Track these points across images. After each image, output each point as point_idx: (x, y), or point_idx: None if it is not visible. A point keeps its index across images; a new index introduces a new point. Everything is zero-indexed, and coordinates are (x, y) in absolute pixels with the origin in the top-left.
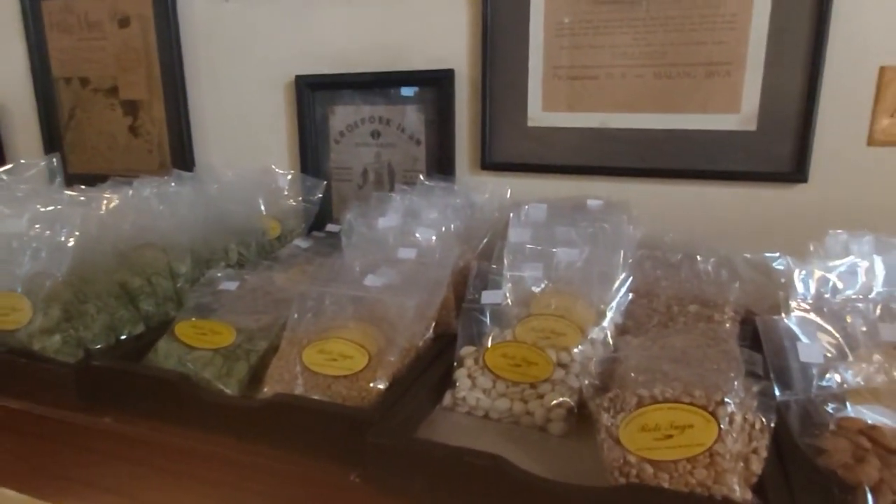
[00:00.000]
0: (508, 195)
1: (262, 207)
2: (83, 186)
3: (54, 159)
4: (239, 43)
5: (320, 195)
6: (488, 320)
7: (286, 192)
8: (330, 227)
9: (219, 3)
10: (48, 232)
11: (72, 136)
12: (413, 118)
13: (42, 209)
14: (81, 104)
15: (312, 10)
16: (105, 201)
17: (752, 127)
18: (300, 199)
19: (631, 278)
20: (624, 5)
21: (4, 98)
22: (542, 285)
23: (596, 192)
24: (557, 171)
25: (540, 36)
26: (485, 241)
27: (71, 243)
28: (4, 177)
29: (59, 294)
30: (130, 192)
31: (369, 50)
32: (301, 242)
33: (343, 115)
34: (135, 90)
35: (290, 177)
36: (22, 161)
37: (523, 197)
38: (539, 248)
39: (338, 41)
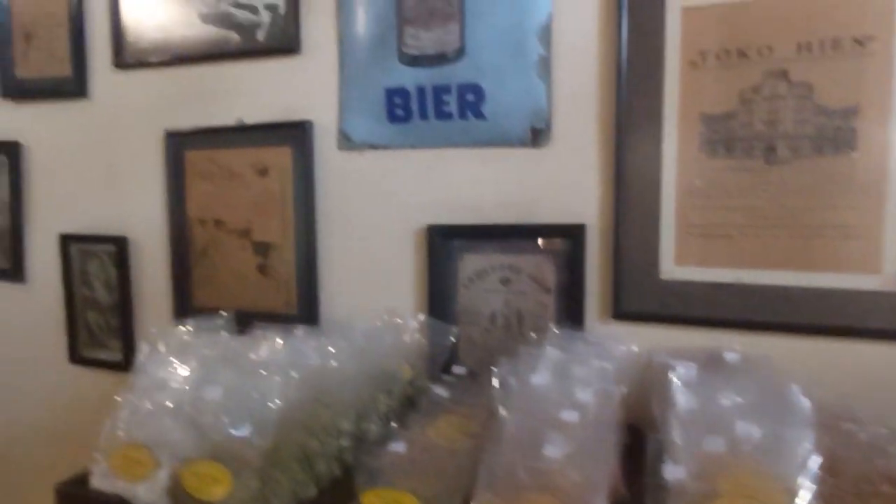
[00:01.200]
0: (640, 347)
1: (396, 352)
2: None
3: (224, 314)
4: (371, 192)
5: (452, 340)
6: (670, 496)
7: (415, 336)
8: (456, 370)
9: (354, 155)
10: (251, 396)
11: (201, 273)
12: (543, 268)
13: (237, 374)
14: (214, 244)
15: (445, 164)
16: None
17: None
18: (428, 342)
19: (816, 454)
20: (756, 172)
21: (137, 234)
22: (725, 460)
23: (731, 344)
24: (691, 322)
25: (672, 196)
26: (623, 394)
27: (273, 411)
28: (187, 337)
29: (255, 461)
30: (279, 342)
31: (501, 202)
32: (440, 390)
33: (473, 262)
34: (268, 233)
35: (419, 320)
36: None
37: (656, 347)
38: (715, 417)
39: (470, 193)
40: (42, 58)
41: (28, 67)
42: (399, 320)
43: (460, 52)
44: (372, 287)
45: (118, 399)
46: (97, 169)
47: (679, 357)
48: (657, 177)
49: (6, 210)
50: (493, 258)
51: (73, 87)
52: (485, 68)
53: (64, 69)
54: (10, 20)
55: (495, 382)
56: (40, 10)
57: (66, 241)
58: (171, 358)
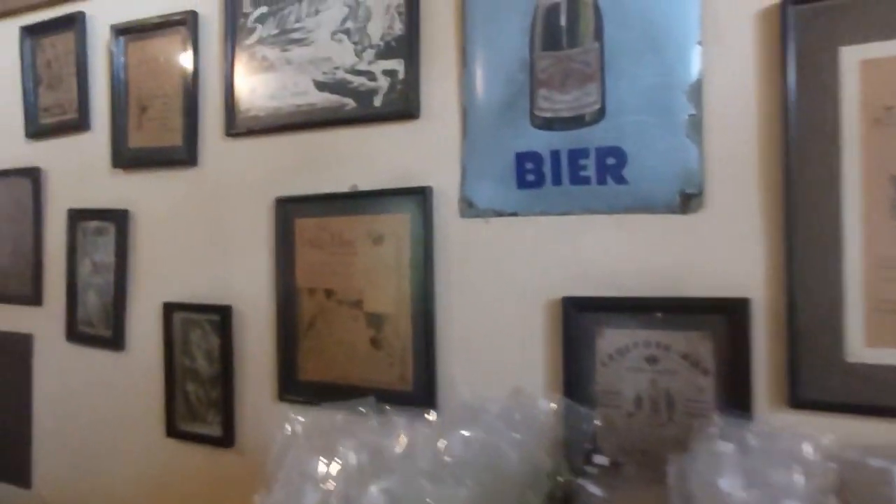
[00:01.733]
0: (830, 440)
1: (529, 439)
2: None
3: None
4: (495, 262)
5: (592, 425)
6: None
7: (549, 420)
8: (598, 460)
9: (477, 223)
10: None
11: (308, 344)
12: (698, 346)
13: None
14: (323, 314)
15: (580, 232)
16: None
17: None
18: (565, 427)
19: None
20: None
21: (242, 303)
22: None
23: None
24: (886, 413)
25: (858, 268)
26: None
27: None
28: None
29: None
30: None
31: (645, 273)
32: (591, 487)
33: (613, 338)
34: (382, 304)
35: (553, 403)
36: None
37: (848, 441)
38: None
39: (608, 263)
40: (155, 128)
41: (141, 138)
42: (529, 402)
43: (600, 114)
44: (496, 364)
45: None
46: (203, 237)
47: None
48: (838, 246)
49: (110, 277)
50: (637, 334)
51: (184, 155)
52: (627, 130)
53: (175, 138)
54: (128, 93)
55: (671, 482)
56: (156, 81)
57: (170, 309)
58: (313, 446)
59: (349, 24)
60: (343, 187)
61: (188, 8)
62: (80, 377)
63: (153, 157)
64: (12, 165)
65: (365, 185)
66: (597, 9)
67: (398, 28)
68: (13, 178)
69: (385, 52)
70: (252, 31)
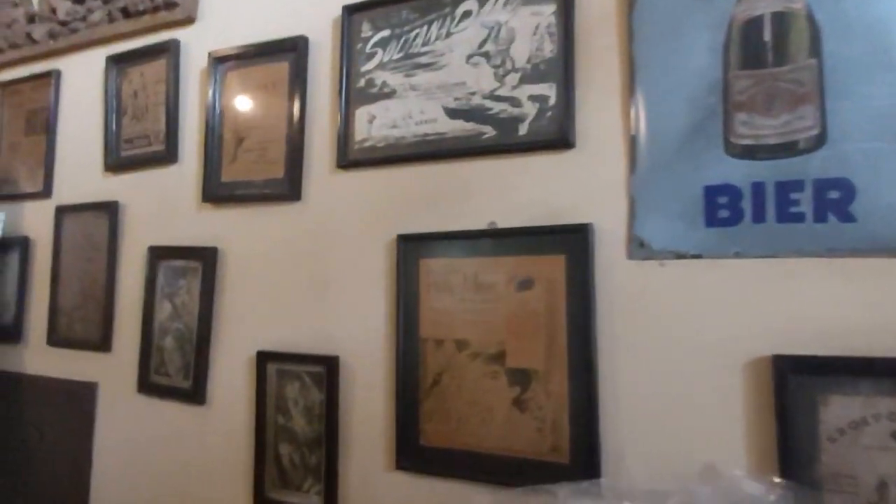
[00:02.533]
0: None
1: None
2: None
3: None
4: (675, 312)
5: None
6: None
7: None
8: None
9: (651, 265)
10: None
11: (433, 404)
12: None
13: None
14: (452, 369)
15: (791, 278)
16: None
17: None
18: None
19: None
20: None
21: (350, 354)
22: None
23: None
24: None
25: None
26: None
27: None
28: None
29: None
30: None
31: (881, 328)
32: None
33: (844, 407)
34: (529, 359)
35: (765, 485)
36: None
37: None
38: None
39: (830, 315)
40: (252, 160)
41: (235, 170)
42: (730, 484)
43: (818, 140)
44: (679, 434)
45: None
46: (305, 278)
47: None
48: None
49: (193, 322)
50: (877, 403)
51: (285, 189)
52: (854, 159)
53: (275, 171)
54: (223, 124)
55: None
56: (257, 111)
57: (264, 358)
58: None
59: (489, 47)
60: (478, 224)
61: (298, 33)
62: (151, 432)
63: (249, 192)
64: (88, 199)
65: (505, 222)
66: (812, 21)
67: (549, 50)
68: (88, 213)
69: (532, 76)
70: (371, 55)
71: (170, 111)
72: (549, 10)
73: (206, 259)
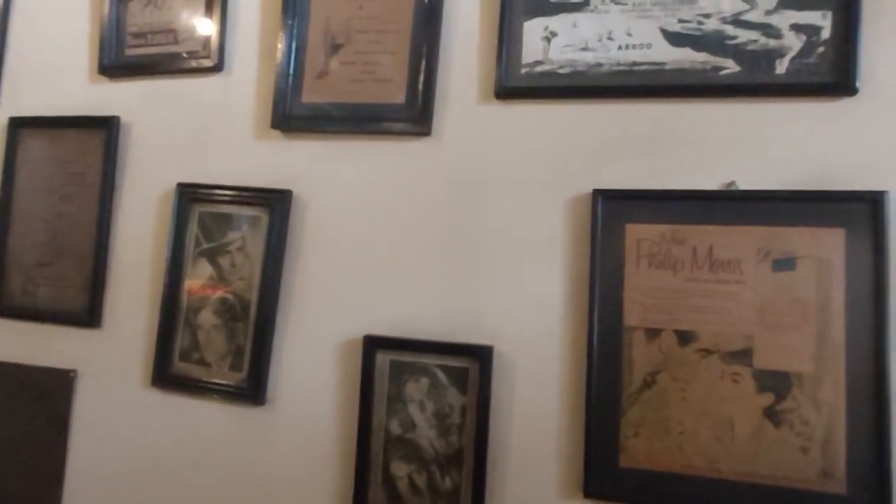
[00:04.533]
0: None
1: None
2: None
3: None
4: None
5: None
6: None
7: None
8: None
9: None
10: None
11: (641, 413)
12: None
13: None
14: (673, 368)
15: None
16: None
17: None
18: None
19: None
20: None
21: (510, 344)
22: None
23: None
24: None
25: None
26: None
27: None
28: None
29: None
30: None
31: None
32: None
33: None
34: (788, 359)
35: None
36: None
37: None
38: None
39: None
40: (353, 75)
41: (325, 89)
42: None
43: None
44: None
45: None
46: (437, 240)
47: None
48: None
49: (251, 291)
50: None
51: (408, 119)
52: None
53: (391, 93)
54: (308, 18)
55: None
56: (367, 5)
57: (372, 345)
58: None
59: None
60: (710, 184)
61: None
62: (172, 444)
63: (348, 118)
64: (66, 112)
65: (751, 184)
66: None
67: None
68: (66, 133)
69: (798, 1)
70: None
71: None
72: None
73: (273, 205)
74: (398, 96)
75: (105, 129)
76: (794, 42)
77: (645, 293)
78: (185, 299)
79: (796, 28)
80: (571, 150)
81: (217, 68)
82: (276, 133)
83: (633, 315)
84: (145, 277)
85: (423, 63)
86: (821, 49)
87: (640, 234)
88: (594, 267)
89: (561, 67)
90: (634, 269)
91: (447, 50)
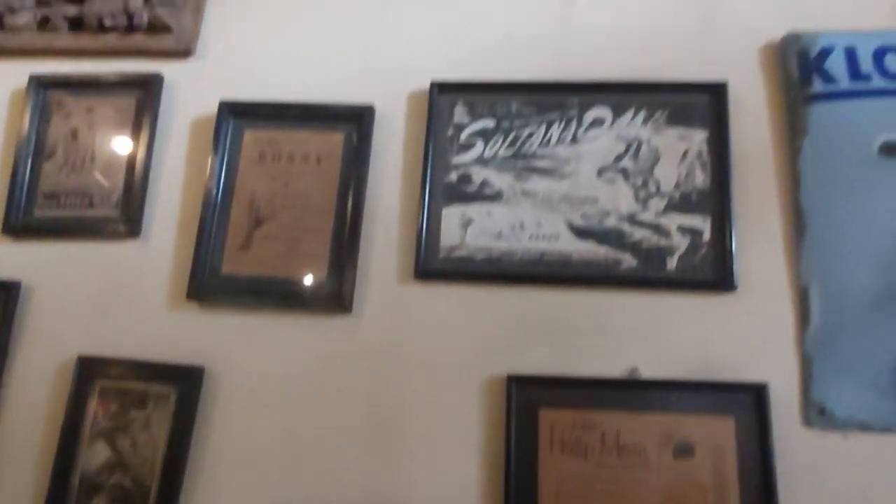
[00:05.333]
0: None
1: None
2: None
3: None
4: (861, 495)
5: None
6: None
7: None
8: None
9: (833, 438)
10: None
11: None
12: None
13: None
14: None
15: None
16: None
17: None
18: None
19: None
20: None
21: None
22: None
23: None
24: None
25: None
26: None
27: None
28: None
29: None
30: None
31: None
32: None
33: None
34: None
35: None
36: None
37: None
38: None
39: None
40: (275, 250)
41: (247, 261)
42: None
43: None
44: None
45: None
46: (353, 420)
47: None
48: None
49: (151, 474)
50: None
51: (330, 295)
52: None
53: (314, 268)
54: (233, 193)
55: None
56: (292, 184)
57: None
58: None
59: (627, 164)
60: (614, 369)
61: (364, 102)
62: None
63: (268, 293)
64: None
65: (650, 370)
66: None
67: (700, 179)
68: None
69: (682, 206)
70: (467, 147)
71: (138, 167)
72: (700, 136)
73: (184, 382)
74: (320, 273)
75: (3, 293)
76: (681, 242)
77: (559, 479)
78: (76, 486)
79: (682, 230)
80: (487, 334)
81: (133, 234)
82: (192, 304)
83: (549, 500)
84: (32, 460)
85: (346, 242)
86: (703, 249)
87: (553, 420)
88: (509, 452)
89: (477, 253)
90: (548, 455)
91: (370, 230)
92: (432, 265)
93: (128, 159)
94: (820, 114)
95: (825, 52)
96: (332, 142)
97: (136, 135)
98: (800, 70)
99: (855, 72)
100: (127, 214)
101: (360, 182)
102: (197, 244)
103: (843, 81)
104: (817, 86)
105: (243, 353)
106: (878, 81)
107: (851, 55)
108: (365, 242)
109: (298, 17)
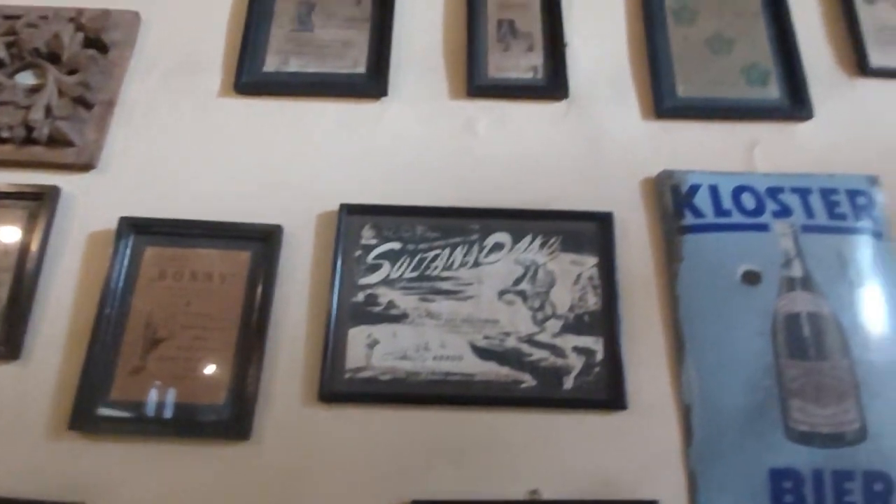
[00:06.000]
0: None
1: None
2: None
3: None
4: None
5: None
6: None
7: None
8: None
9: None
10: None
11: None
12: None
13: None
14: None
15: None
16: None
17: None
18: None
19: None
20: None
21: None
22: None
23: None
24: None
25: None
26: None
27: None
28: None
29: None
30: None
31: None
32: None
33: None
34: None
35: None
36: None
37: None
38: None
39: None
40: (173, 371)
41: (139, 385)
42: None
43: (861, 434)
44: None
45: None
46: None
47: None
48: None
49: None
50: None
51: (230, 421)
52: (891, 455)
53: (212, 393)
54: (128, 314)
55: None
56: (195, 306)
57: None
58: None
59: (525, 287)
60: (517, 490)
61: (272, 221)
62: None
63: (161, 420)
64: None
65: (551, 492)
66: (839, 325)
67: (593, 302)
68: None
69: (576, 327)
70: (374, 267)
71: (26, 282)
72: (591, 262)
73: None
74: (219, 397)
75: None
76: (576, 362)
77: None
78: None
79: (577, 350)
80: (391, 457)
81: (12, 356)
82: (75, 434)
83: None
84: None
85: (249, 364)
86: (597, 369)
87: None
88: None
89: (382, 374)
90: None
91: (274, 351)
92: (337, 387)
93: (14, 274)
94: (692, 243)
95: (694, 189)
96: (238, 261)
97: (25, 248)
98: (674, 204)
99: (718, 207)
100: (7, 334)
101: (266, 302)
102: (84, 367)
103: (710, 215)
104: (689, 218)
105: (132, 487)
106: (737, 217)
107: (715, 193)
108: (268, 364)
109: (208, 135)
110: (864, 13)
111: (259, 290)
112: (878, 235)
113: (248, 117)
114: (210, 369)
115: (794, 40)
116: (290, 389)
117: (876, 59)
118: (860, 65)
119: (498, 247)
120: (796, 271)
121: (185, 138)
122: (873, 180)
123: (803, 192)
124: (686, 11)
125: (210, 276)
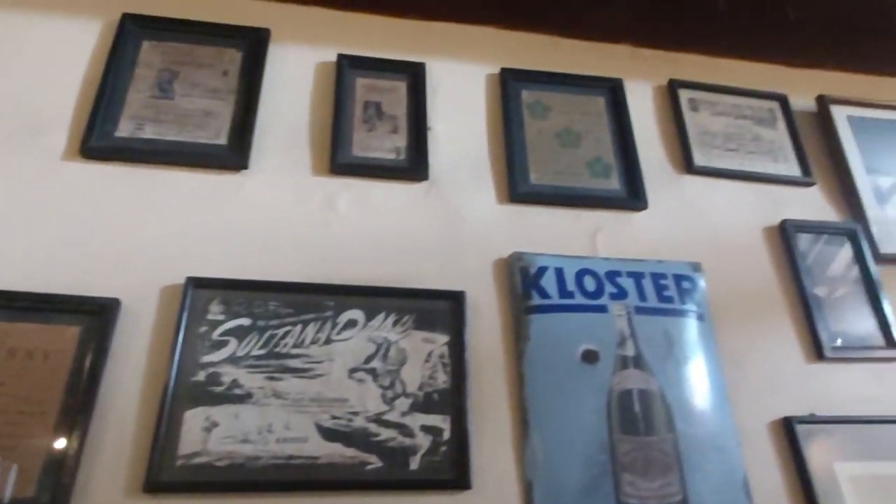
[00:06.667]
0: None
1: None
2: None
3: None
4: None
5: None
6: None
7: None
8: None
9: None
10: None
11: None
12: None
13: None
14: None
15: None
16: None
17: None
18: None
19: None
20: None
21: None
22: None
23: None
24: None
25: None
26: None
27: None
28: None
29: None
30: None
31: None
32: None
33: None
34: None
35: None
36: None
37: None
38: None
39: None
40: None
41: None
42: None
43: None
44: None
45: None
46: None
47: None
48: None
49: None
50: None
51: None
52: None
53: (22, 487)
54: None
55: None
56: (5, 383)
57: None
58: None
59: (376, 364)
60: None
61: (111, 294)
62: None
63: None
64: None
65: None
66: (665, 401)
67: (442, 380)
68: None
69: (425, 405)
70: (220, 344)
71: None
72: (443, 339)
73: None
74: (28, 491)
75: None
76: (423, 441)
77: None
78: None
79: (425, 429)
80: None
81: None
82: None
83: None
84: None
85: (67, 453)
86: (443, 448)
87: None
88: None
89: (219, 459)
90: None
91: (98, 438)
92: (166, 476)
93: None
94: (538, 323)
95: (541, 271)
96: (65, 337)
97: None
98: (522, 285)
99: (563, 289)
100: None
101: (93, 382)
102: None
103: (555, 297)
104: (536, 299)
105: None
106: (579, 298)
107: (560, 275)
108: (90, 452)
109: (46, 200)
110: (690, 119)
111: (86, 368)
112: (700, 317)
113: (93, 183)
114: (22, 460)
115: (632, 139)
116: (113, 480)
117: (699, 159)
118: (686, 164)
119: (351, 324)
120: (629, 350)
121: (20, 202)
122: (696, 266)
123: (637, 276)
124: (539, 107)
125: (31, 353)
